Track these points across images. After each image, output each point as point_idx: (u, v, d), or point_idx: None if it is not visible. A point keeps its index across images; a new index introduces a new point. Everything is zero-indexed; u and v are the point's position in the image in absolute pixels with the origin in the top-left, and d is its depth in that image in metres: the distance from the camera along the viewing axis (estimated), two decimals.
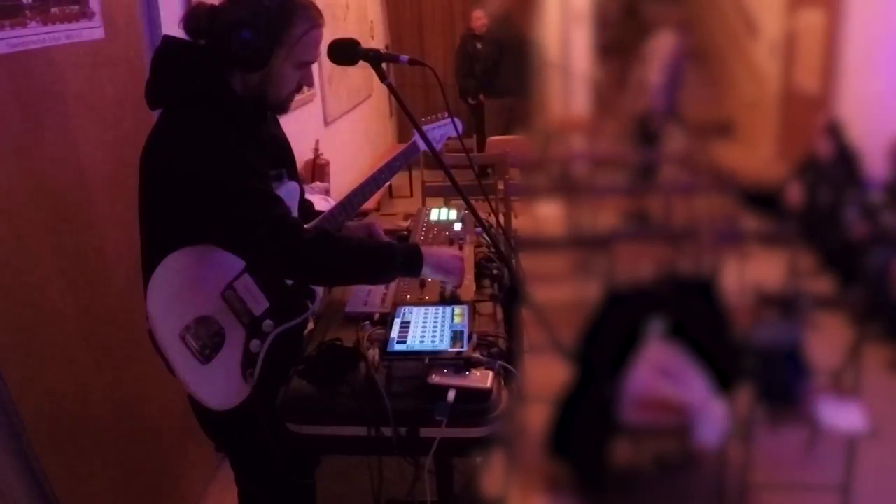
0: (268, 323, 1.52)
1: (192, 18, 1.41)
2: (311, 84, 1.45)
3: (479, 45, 5.93)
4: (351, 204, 1.78)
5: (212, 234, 1.41)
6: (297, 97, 1.59)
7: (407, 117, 1.54)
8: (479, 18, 5.96)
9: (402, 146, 1.97)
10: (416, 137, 1.86)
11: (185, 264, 1.42)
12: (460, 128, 1.90)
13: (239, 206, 1.36)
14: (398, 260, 1.51)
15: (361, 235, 1.77)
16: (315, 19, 1.44)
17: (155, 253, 1.40)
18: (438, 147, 1.92)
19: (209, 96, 1.40)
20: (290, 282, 1.59)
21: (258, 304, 1.52)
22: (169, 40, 1.44)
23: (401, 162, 1.91)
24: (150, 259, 1.41)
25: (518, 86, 5.47)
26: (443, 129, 1.99)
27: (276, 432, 1.48)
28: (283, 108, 1.53)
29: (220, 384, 1.45)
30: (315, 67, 1.44)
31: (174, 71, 1.42)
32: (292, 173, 1.64)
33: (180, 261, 1.41)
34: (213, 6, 1.41)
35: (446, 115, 1.98)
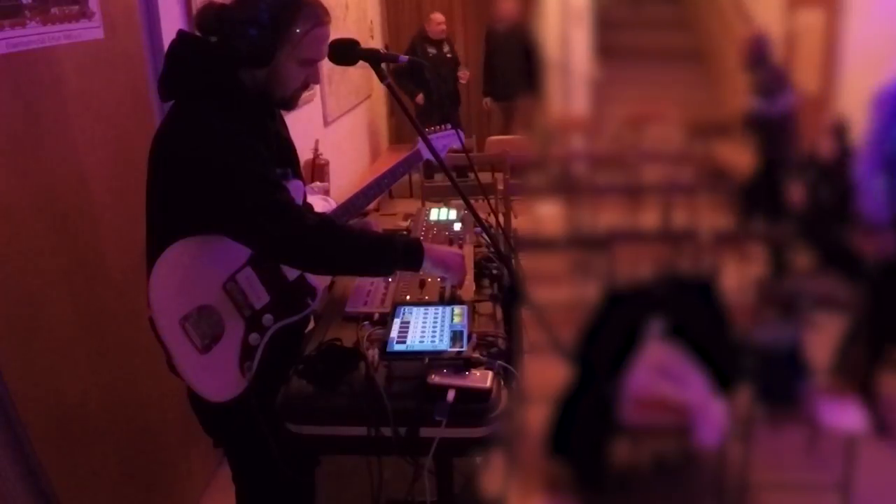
0: (268, 317, 1.53)
1: (202, 16, 1.44)
2: (318, 81, 1.46)
3: (431, 50, 5.70)
4: (354, 206, 1.79)
5: (217, 221, 1.42)
6: (301, 97, 1.59)
7: (407, 119, 1.54)
8: (440, 23, 5.72)
9: (400, 146, 1.98)
10: (420, 145, 1.87)
11: (190, 253, 1.43)
12: (462, 138, 1.90)
13: (244, 191, 1.38)
14: (399, 251, 1.51)
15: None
16: (320, 17, 1.45)
17: (160, 241, 1.41)
18: (441, 156, 1.93)
19: (220, 90, 1.43)
20: (291, 277, 1.59)
21: (259, 297, 1.52)
22: (183, 35, 1.47)
23: (404, 168, 1.92)
24: (155, 247, 1.42)
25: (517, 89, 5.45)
26: (445, 140, 2.00)
27: (275, 430, 1.49)
28: (290, 104, 1.54)
29: (216, 375, 1.45)
30: (318, 68, 1.45)
31: (187, 65, 1.44)
32: (297, 173, 1.66)
33: (184, 250, 1.42)
34: (222, 4, 1.43)
35: (449, 126, 1.98)
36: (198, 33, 1.46)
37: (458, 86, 5.81)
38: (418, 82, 5.42)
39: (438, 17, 5.72)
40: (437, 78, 5.66)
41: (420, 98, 5.51)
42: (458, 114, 5.91)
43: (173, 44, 1.46)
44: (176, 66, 1.45)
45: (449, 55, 5.79)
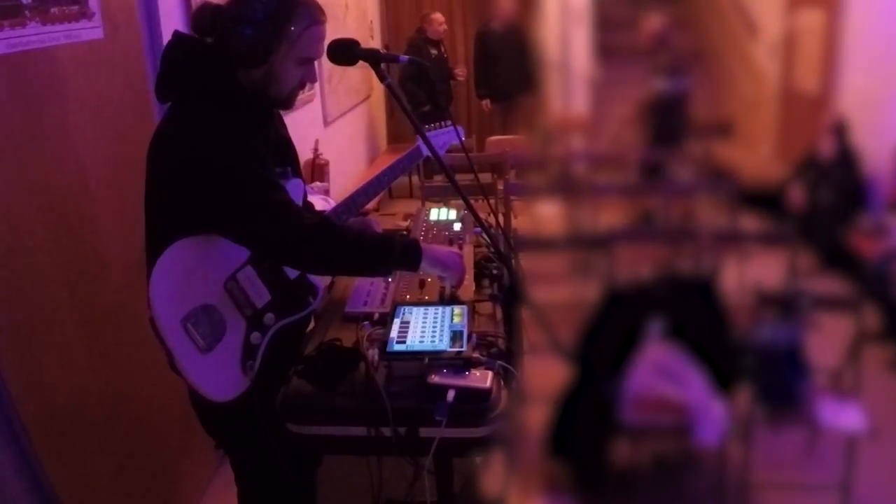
0: (269, 316, 1.53)
1: (197, 17, 1.45)
2: (315, 80, 1.46)
3: (433, 51, 5.64)
4: (354, 204, 1.78)
5: (215, 221, 1.42)
6: (298, 96, 1.59)
7: (407, 118, 1.54)
8: (441, 24, 5.66)
9: (399, 146, 1.98)
10: (420, 143, 1.87)
11: (190, 253, 1.43)
12: (462, 135, 1.90)
13: (242, 191, 1.38)
14: (397, 252, 1.51)
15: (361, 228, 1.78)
16: (315, 16, 1.45)
17: (159, 242, 1.41)
18: (441, 154, 1.92)
19: (218, 91, 1.43)
20: (292, 276, 1.59)
21: (260, 296, 1.52)
22: (179, 36, 1.47)
23: (404, 165, 1.91)
24: (155, 248, 1.42)
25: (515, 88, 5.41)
26: (445, 137, 2.00)
27: (276, 429, 1.49)
28: (287, 104, 1.54)
29: (219, 375, 1.45)
30: (315, 67, 1.45)
31: (183, 66, 1.45)
32: (296, 172, 1.66)
33: (184, 250, 1.42)
34: (217, 5, 1.43)
35: (449, 123, 1.98)
36: (194, 34, 1.46)
37: (451, 85, 5.80)
38: (423, 85, 5.41)
39: (439, 17, 5.66)
40: (439, 79, 5.64)
41: (427, 108, 5.47)
42: (450, 112, 5.88)
43: (169, 45, 1.46)
44: (172, 67, 1.45)
45: (445, 55, 5.79)
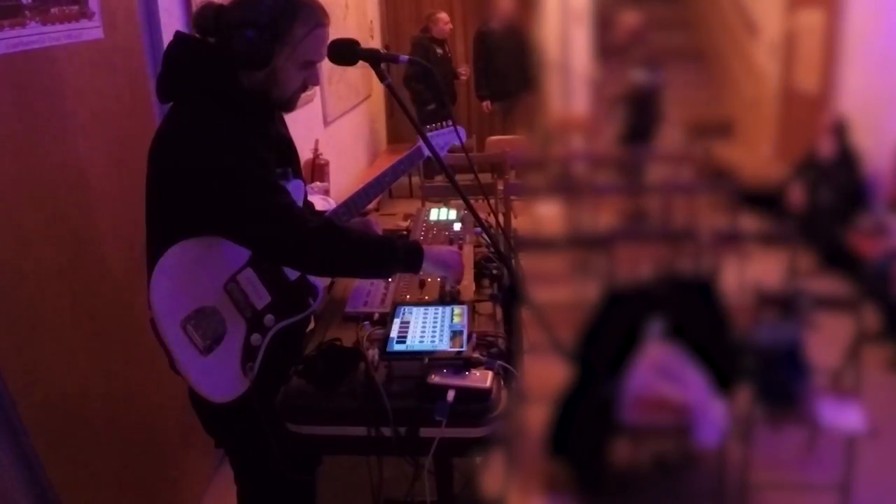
0: (269, 318, 1.53)
1: (200, 17, 1.44)
2: (317, 83, 1.46)
3: (439, 51, 5.69)
4: (355, 205, 1.79)
5: (217, 223, 1.41)
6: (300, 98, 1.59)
7: (407, 118, 1.54)
8: (447, 23, 5.69)
9: (399, 146, 1.98)
10: (421, 143, 1.87)
11: (190, 255, 1.43)
12: (463, 136, 1.90)
13: (243, 193, 1.38)
14: (399, 254, 1.51)
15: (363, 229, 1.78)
16: (319, 19, 1.45)
17: (160, 243, 1.41)
18: (442, 154, 1.92)
19: (219, 92, 1.43)
20: (292, 277, 1.59)
21: (260, 298, 1.52)
22: (180, 36, 1.47)
23: (405, 166, 1.91)
24: (155, 249, 1.42)
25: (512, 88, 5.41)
26: (446, 137, 2.00)
27: (276, 429, 1.49)
28: (288, 106, 1.54)
29: (219, 376, 1.45)
30: (318, 69, 1.45)
31: (185, 66, 1.44)
32: (297, 172, 1.65)
33: (185, 251, 1.42)
34: (220, 5, 1.43)
35: (450, 123, 1.97)
36: (196, 34, 1.46)
37: (454, 84, 5.81)
38: (429, 85, 5.40)
39: (445, 16, 5.70)
40: (444, 79, 5.64)
41: (432, 106, 5.46)
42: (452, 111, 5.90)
43: (170, 45, 1.46)
44: (173, 67, 1.45)
45: (449, 54, 5.82)
